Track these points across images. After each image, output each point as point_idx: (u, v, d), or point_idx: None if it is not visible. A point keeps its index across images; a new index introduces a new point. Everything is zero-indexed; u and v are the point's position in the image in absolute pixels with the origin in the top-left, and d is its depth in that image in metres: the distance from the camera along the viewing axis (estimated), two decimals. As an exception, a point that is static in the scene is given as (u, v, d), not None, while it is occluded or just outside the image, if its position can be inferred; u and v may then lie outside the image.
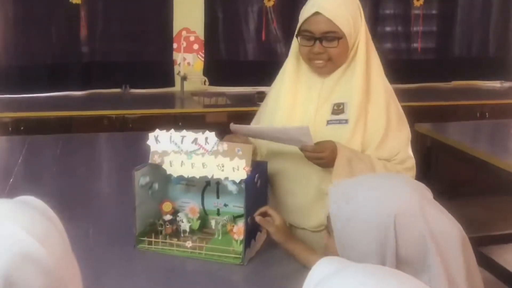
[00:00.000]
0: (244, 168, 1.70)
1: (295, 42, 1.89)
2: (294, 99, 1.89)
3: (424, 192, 1.12)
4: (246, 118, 2.22)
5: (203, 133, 1.75)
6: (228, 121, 1.99)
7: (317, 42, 1.78)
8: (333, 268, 0.70)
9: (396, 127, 1.86)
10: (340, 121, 1.82)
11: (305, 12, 1.80)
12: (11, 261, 0.58)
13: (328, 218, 1.15)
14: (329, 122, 1.83)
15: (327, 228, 1.20)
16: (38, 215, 0.64)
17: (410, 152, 1.90)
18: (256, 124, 2.04)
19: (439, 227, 1.04)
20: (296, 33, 1.84)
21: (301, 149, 1.76)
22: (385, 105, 1.84)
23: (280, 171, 1.91)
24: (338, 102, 1.84)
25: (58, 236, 0.64)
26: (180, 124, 3.74)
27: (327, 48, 1.78)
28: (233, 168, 1.71)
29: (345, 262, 0.72)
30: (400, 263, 1.03)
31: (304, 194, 1.87)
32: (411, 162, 1.89)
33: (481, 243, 3.22)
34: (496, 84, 5.05)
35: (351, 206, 1.08)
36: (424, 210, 1.05)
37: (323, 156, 1.75)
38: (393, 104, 1.88)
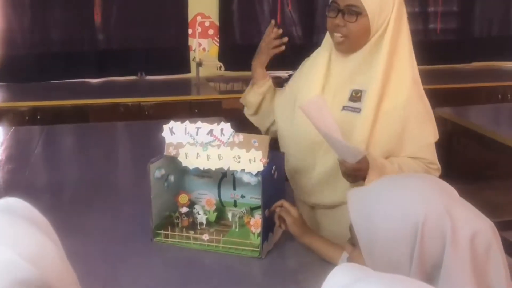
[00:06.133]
0: (260, 160, 1.67)
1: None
2: (324, 79, 1.84)
3: (449, 192, 1.07)
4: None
5: (218, 124, 1.72)
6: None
7: (339, 14, 1.76)
8: (352, 277, 0.66)
9: (417, 125, 1.77)
10: (354, 109, 1.78)
11: None
12: None
13: (350, 227, 1.10)
14: (344, 108, 1.80)
15: (350, 239, 1.15)
16: (27, 227, 0.60)
17: (434, 156, 1.80)
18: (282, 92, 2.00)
19: (468, 227, 1.00)
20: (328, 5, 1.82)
21: (341, 162, 1.67)
22: (405, 100, 1.75)
23: (294, 151, 1.87)
24: (357, 89, 1.79)
25: (51, 245, 0.61)
26: (196, 111, 3.72)
27: (346, 22, 1.75)
28: (249, 160, 1.68)
29: (365, 271, 0.68)
30: (421, 267, 0.99)
31: (323, 170, 1.81)
32: (435, 167, 1.80)
33: (502, 228, 3.16)
34: (517, 65, 4.93)
35: (375, 215, 1.04)
36: (450, 213, 1.01)
37: (361, 167, 1.65)
38: (417, 101, 1.78)
